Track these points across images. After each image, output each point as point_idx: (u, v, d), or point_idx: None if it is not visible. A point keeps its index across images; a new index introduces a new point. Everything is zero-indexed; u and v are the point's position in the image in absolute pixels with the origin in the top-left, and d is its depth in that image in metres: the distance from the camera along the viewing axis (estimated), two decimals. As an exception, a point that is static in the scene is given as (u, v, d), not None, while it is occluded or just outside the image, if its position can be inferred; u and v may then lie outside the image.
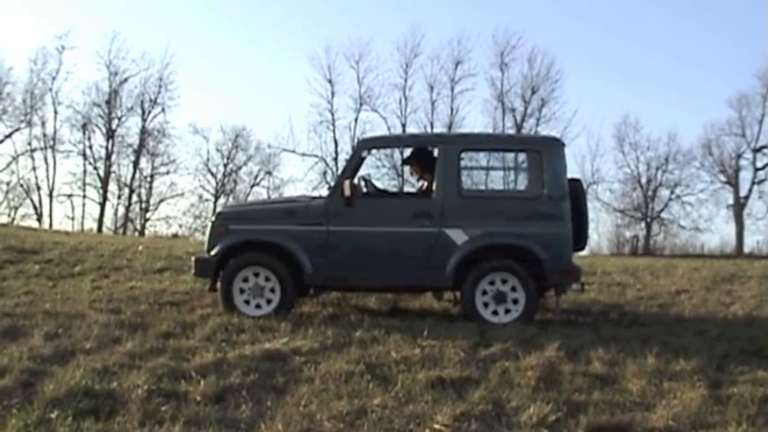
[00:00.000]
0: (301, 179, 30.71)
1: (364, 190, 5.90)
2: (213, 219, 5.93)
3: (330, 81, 30.43)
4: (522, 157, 6.18)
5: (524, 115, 29.96)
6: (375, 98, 30.57)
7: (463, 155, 5.77)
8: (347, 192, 5.47)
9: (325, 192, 6.88)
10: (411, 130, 30.00)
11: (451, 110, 30.45)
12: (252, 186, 33.20)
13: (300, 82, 40.80)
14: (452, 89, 30.41)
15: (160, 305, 5.84)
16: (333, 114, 30.51)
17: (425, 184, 6.31)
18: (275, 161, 32.57)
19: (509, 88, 30.17)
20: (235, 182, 33.38)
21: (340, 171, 6.00)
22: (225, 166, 33.11)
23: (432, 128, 29.87)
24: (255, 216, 5.78)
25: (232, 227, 5.66)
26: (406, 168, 6.88)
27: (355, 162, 5.71)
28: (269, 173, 32.99)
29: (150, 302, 5.94)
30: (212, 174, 32.94)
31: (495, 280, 5.49)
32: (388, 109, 30.65)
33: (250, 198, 31.44)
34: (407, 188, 25.31)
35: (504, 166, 6.75)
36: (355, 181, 5.68)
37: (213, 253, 5.62)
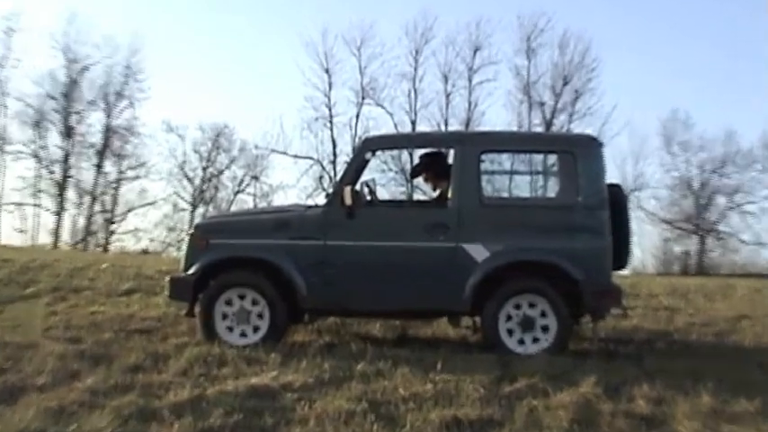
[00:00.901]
0: (294, 185, 30.74)
1: (368, 198, 5.93)
2: (191, 231, 5.97)
3: (327, 71, 30.60)
4: (552, 158, 6.20)
5: (554, 110, 30.10)
6: (380, 90, 30.74)
7: (484, 157, 5.80)
8: (348, 200, 5.50)
9: (321, 200, 6.90)
10: (422, 127, 30.10)
11: (469, 104, 30.60)
12: (236, 194, 33.43)
13: (293, 72, 41.64)
14: (470, 80, 30.59)
15: (127, 333, 5.86)
16: (330, 110, 30.69)
17: (439, 191, 6.33)
18: (263, 164, 32.78)
19: (537, 78, 30.32)
20: (216, 188, 33.63)
21: (339, 176, 6.03)
22: (204, 169, 33.34)
23: (446, 125, 30.00)
24: (240, 228, 5.82)
25: (213, 241, 5.70)
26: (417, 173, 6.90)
27: (357, 165, 5.75)
28: (255, 178, 33.18)
29: (115, 330, 5.96)
30: (189, 179, 33.18)
31: (521, 303, 5.50)
32: (395, 103, 30.85)
33: (234, 207, 31.62)
34: (418, 196, 25.79)
35: (532, 170, 6.78)
36: (357, 187, 5.70)
37: (191, 272, 5.65)
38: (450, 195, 5.69)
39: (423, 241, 5.54)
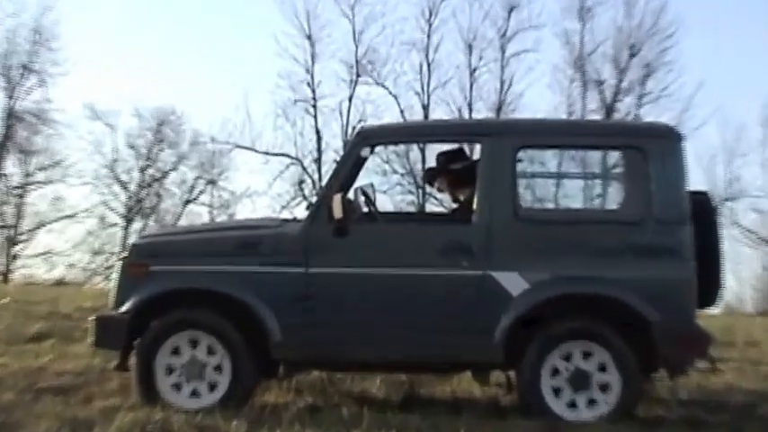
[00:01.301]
0: (265, 192, 30.89)
1: (364, 210, 5.95)
2: (124, 255, 5.99)
3: (310, 37, 30.87)
4: (614, 157, 6.22)
5: (618, 91, 30.17)
6: (380, 64, 30.95)
7: (521, 154, 5.83)
8: (338, 212, 5.52)
9: (302, 213, 6.89)
10: (437, 115, 30.25)
11: (501, 83, 30.75)
12: (186, 203, 33.64)
13: (263, 39, 41.63)
14: (503, 50, 30.80)
15: (36, 393, 5.85)
16: (314, 91, 30.90)
17: (461, 200, 6.34)
18: (222, 164, 33.06)
19: (593, 48, 30.41)
20: (158, 196, 33.82)
21: (326, 180, 6.05)
22: (142, 171, 33.56)
23: (470, 112, 30.14)
24: (192, 250, 5.84)
25: (155, 267, 5.72)
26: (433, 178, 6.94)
27: (350, 165, 5.79)
28: (212, 182, 33.39)
29: (20, 389, 5.94)
30: (122, 183, 33.35)
31: (572, 353, 5.52)
32: (402, 82, 31.09)
33: (183, 222, 31.73)
34: (432, 207, 25.67)
35: (587, 172, 6.80)
36: (350, 195, 5.73)
37: (124, 309, 5.66)
38: (475, 206, 5.71)
39: (438, 268, 5.57)
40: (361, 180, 5.98)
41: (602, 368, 5.48)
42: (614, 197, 6.46)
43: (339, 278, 5.61)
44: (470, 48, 30.77)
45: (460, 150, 6.77)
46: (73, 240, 32.08)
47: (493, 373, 6.13)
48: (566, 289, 5.52)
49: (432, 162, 6.93)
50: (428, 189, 25.93)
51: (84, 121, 33.63)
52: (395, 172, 28.69)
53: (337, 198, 5.54)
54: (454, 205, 6.59)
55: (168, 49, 43.15)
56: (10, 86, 31.10)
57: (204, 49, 42.38)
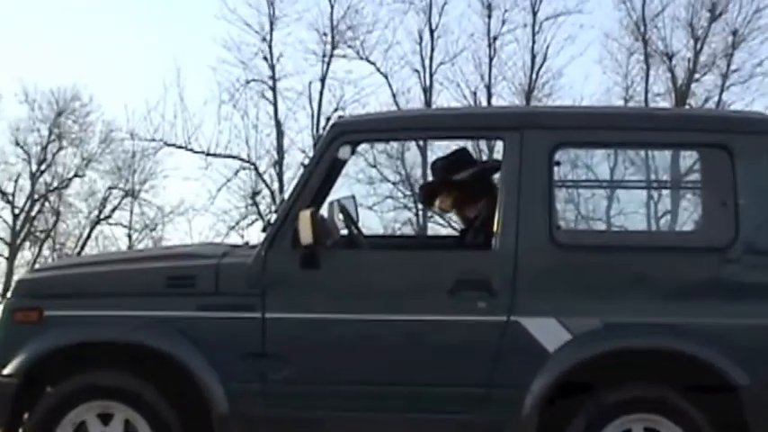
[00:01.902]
0: (205, 208, 30.87)
1: (342, 231, 5.99)
2: (9, 295, 5.99)
3: (267, -7, 30.82)
4: (688, 158, 6.22)
5: (693, 68, 30.19)
6: (365, 31, 31.05)
7: (559, 155, 5.84)
8: (306, 236, 5.52)
9: (257, 235, 6.86)
10: (444, 100, 30.22)
11: (533, 57, 30.83)
12: (95, 223, 33.47)
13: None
14: (534, 12, 30.90)
15: None
16: (273, 67, 30.99)
17: (475, 220, 6.36)
18: (146, 170, 32.90)
19: (658, 11, 30.50)
20: (56, 213, 33.67)
21: (290, 190, 6.05)
22: (33, 177, 33.38)
23: (489, 97, 30.22)
24: (103, 289, 5.85)
25: (51, 312, 5.72)
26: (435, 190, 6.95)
27: (324, 171, 5.79)
28: (132, 195, 33.24)
29: None
30: (5, 196, 33.17)
31: (631, 429, 5.52)
32: (394, 56, 31.13)
33: (91, 250, 31.57)
34: (436, 228, 25.37)
35: (650, 181, 6.80)
36: (323, 212, 5.77)
37: (9, 371, 5.65)
38: (495, 227, 5.73)
39: (445, 313, 5.57)
40: (339, 191, 5.99)
41: (674, 451, 5.51)
42: (688, 214, 6.48)
43: (307, 326, 5.62)
44: (489, 7, 30.81)
45: (462, 152, 6.78)
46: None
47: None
48: (622, 341, 5.52)
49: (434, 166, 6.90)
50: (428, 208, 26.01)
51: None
52: (385, 180, 28.57)
53: (306, 216, 5.53)
54: (466, 226, 6.59)
55: (71, 12, 43.18)
56: None
57: (120, 9, 42.39)
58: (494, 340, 5.53)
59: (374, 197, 28.22)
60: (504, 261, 5.61)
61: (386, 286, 5.71)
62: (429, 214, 26.54)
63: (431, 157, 25.95)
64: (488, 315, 5.54)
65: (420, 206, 27.21)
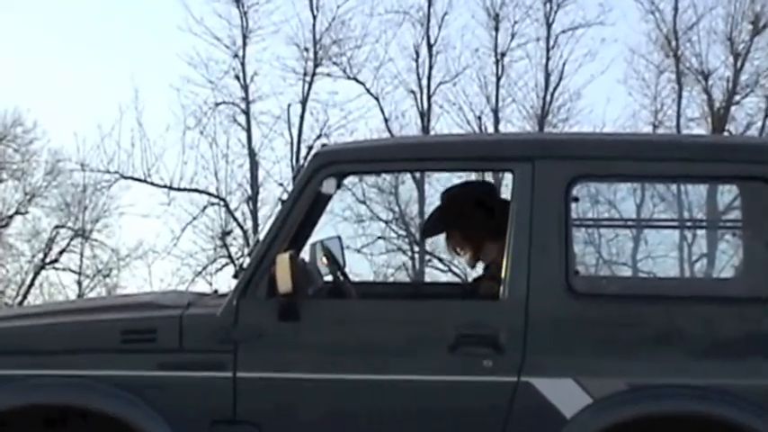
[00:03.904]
0: (167, 250, 30.74)
1: (327, 278, 6.02)
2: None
3: (239, 2, 30.92)
4: (726, 194, 6.23)
5: (733, 87, 30.19)
6: (353, 46, 31.16)
7: (578, 189, 5.89)
8: (285, 283, 5.52)
9: (226, 283, 6.86)
10: (444, 126, 30.30)
11: (546, 77, 30.98)
12: (39, 268, 33.40)
13: (167, 7, 41.66)
14: (548, 24, 30.97)
15: None
16: (246, 88, 31.01)
17: (481, 263, 6.36)
18: (99, 206, 32.92)
19: (692, 22, 30.56)
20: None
21: (265, 230, 6.06)
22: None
23: (496, 121, 30.28)
24: (46, 345, 5.85)
25: (-14, 373, 5.72)
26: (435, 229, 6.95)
27: (306, 207, 5.80)
28: (82, 235, 33.23)
29: None
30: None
31: None
32: (386, 74, 31.09)
33: (32, 300, 31.55)
34: (436, 274, 25.29)
35: (682, 219, 6.79)
36: (305, 255, 5.81)
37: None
38: (504, 273, 5.73)
39: (446, 372, 5.56)
40: (323, 231, 5.99)
41: None
42: (727, 258, 6.48)
43: (286, 389, 5.60)
44: (497, 18, 30.89)
45: (481, 185, 6.78)
46: None
47: None
48: (650, 406, 5.51)
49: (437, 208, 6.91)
50: (430, 246, 25.95)
51: None
52: (376, 218, 28.54)
53: (284, 260, 5.53)
54: (471, 271, 6.59)
55: (12, 25, 43.41)
56: None
57: (70, 20, 42.58)
58: (501, 404, 5.52)
59: (363, 238, 28.09)
60: (513, 312, 5.60)
61: (377, 342, 5.69)
62: (427, 258, 26.54)
63: (429, 193, 26.18)
64: (495, 375, 5.54)
65: (416, 249, 27.20)
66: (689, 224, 6.87)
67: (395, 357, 5.63)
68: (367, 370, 5.59)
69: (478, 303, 5.88)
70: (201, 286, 27.11)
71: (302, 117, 30.70)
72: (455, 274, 24.25)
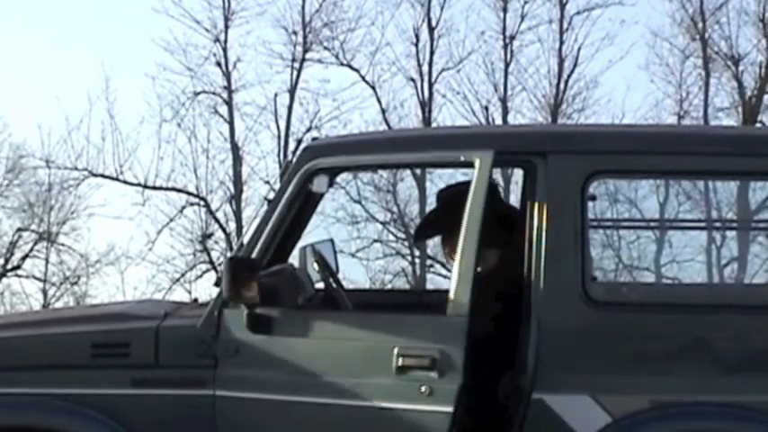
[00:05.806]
0: (142, 255, 30.69)
1: (319, 284, 6.04)
2: None
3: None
4: (758, 191, 6.24)
5: (765, 75, 29.99)
6: (345, 29, 31.08)
7: (595, 186, 5.90)
8: (226, 290, 5.51)
9: (206, 291, 6.86)
10: (447, 117, 30.27)
11: (560, 63, 30.94)
12: (1, 275, 33.39)
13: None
14: (562, 4, 30.88)
15: None
16: (228, 76, 30.93)
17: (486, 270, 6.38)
18: (67, 207, 32.92)
19: (719, 3, 30.43)
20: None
21: (249, 233, 6.09)
22: None
23: (504, 112, 30.26)
24: (9, 359, 5.86)
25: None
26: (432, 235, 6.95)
27: (294, 207, 5.81)
28: (47, 239, 33.24)
29: None
30: None
31: None
32: (383, 61, 31.04)
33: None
34: (438, 280, 25.29)
35: (710, 219, 6.79)
36: (294, 260, 5.89)
37: None
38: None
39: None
40: (313, 234, 5.99)
41: None
42: (760, 263, 6.49)
43: (270, 409, 5.61)
44: (504, 1, 30.86)
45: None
46: None
47: None
48: (676, 426, 5.52)
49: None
50: (430, 249, 25.91)
51: None
52: (372, 219, 28.51)
53: (225, 262, 5.56)
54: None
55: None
56: None
57: (34, 7, 42.60)
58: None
59: (358, 241, 28.06)
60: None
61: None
62: (428, 263, 26.50)
63: (430, 190, 26.10)
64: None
65: (417, 253, 27.16)
66: (718, 224, 6.86)
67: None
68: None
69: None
70: (179, 295, 27.13)
71: (290, 108, 30.63)
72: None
